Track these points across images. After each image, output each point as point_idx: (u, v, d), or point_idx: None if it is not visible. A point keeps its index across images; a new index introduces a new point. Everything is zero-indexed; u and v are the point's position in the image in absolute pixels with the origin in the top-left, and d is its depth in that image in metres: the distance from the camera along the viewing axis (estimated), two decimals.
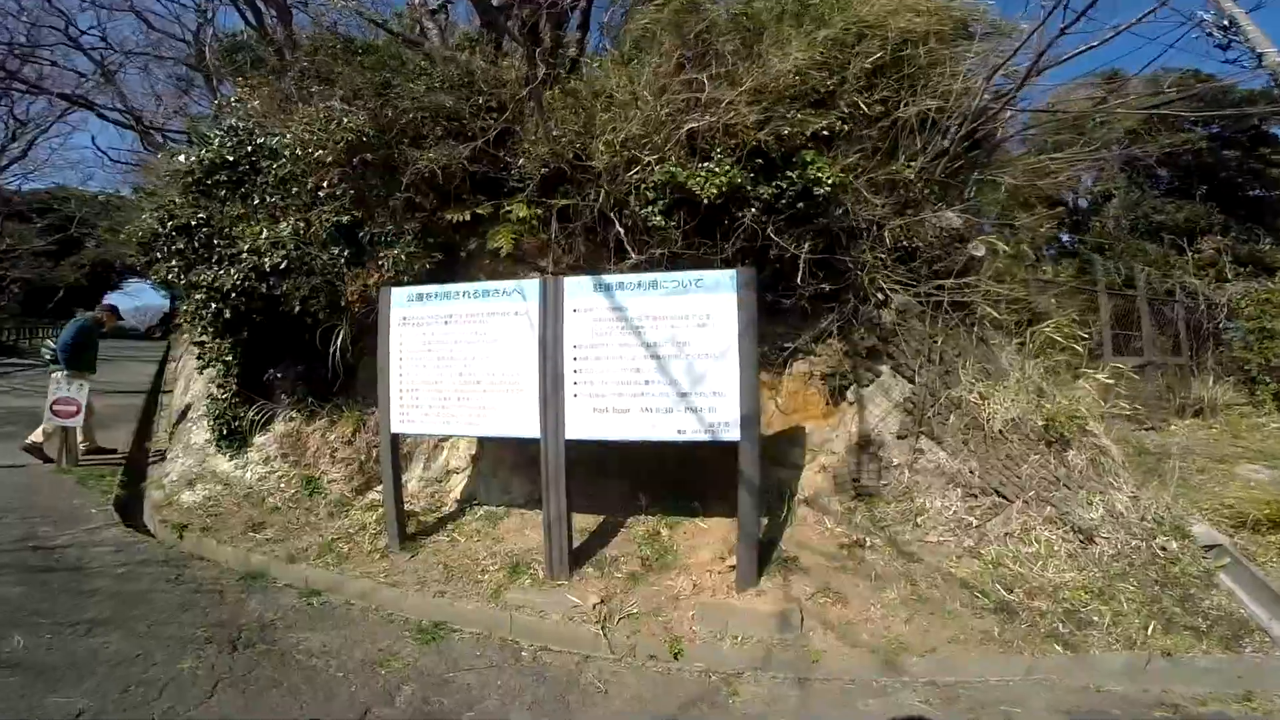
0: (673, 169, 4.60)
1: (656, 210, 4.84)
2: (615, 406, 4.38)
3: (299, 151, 5.74)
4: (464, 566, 4.78)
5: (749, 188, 4.60)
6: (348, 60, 6.24)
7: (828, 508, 4.85)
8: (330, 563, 4.96)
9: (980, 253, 4.86)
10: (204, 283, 5.97)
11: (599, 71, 5.79)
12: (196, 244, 6.21)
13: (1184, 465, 6.07)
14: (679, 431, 4.25)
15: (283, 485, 6.39)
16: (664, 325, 4.31)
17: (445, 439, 6.08)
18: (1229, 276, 8.75)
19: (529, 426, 4.58)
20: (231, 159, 6.54)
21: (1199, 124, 10.63)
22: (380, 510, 5.48)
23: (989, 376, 4.86)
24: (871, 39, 4.60)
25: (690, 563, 4.55)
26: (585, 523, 5.10)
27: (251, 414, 6.66)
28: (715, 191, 4.54)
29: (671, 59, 4.86)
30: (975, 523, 4.55)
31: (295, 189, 6.13)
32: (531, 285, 4.68)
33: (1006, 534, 4.43)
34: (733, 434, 4.14)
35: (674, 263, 4.95)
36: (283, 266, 5.86)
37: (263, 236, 5.98)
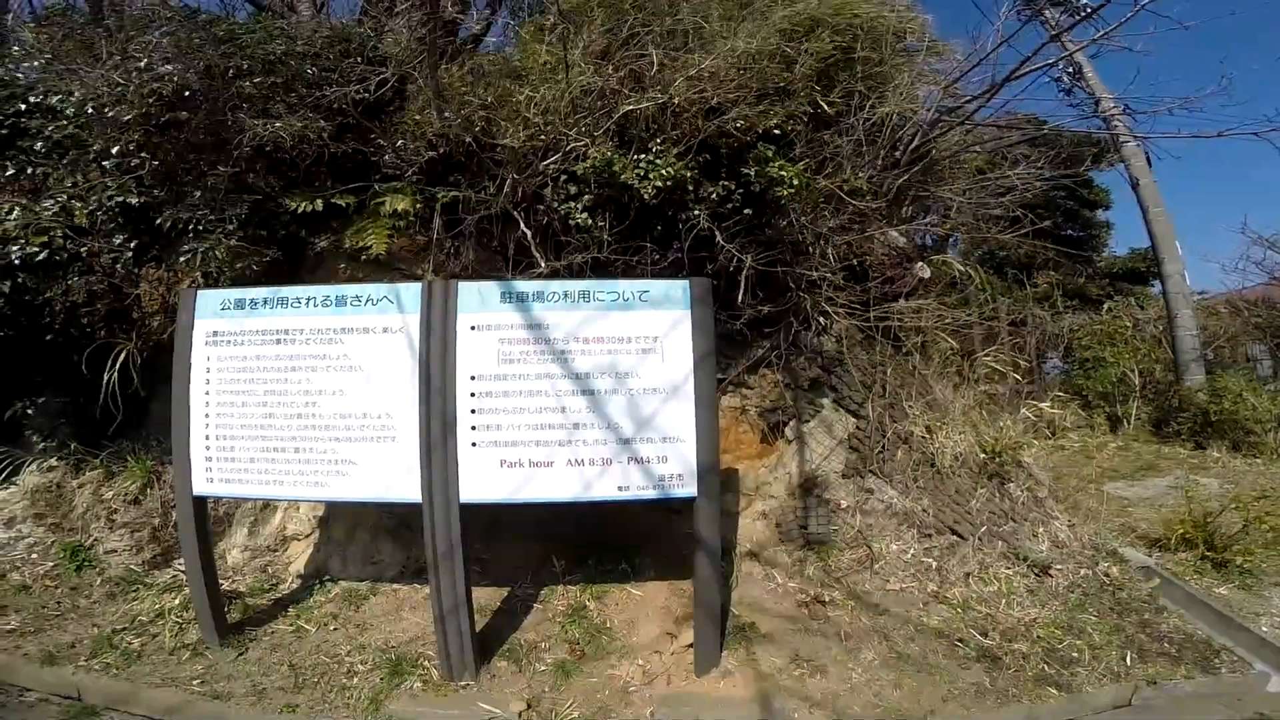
0: (609, 153, 3.76)
1: (580, 206, 3.96)
2: (533, 459, 3.36)
3: (90, 110, 4.16)
4: (320, 666, 3.62)
5: (693, 187, 3.89)
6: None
7: (775, 560, 4.23)
8: (114, 664, 3.63)
9: (926, 275, 4.55)
10: None
11: (512, 46, 4.81)
12: None
13: (1062, 486, 6.45)
14: (620, 489, 3.36)
15: (34, 556, 4.65)
16: (599, 350, 3.41)
17: None
18: (1061, 308, 9.68)
19: (404, 488, 3.42)
20: None
21: (1041, 166, 11.84)
22: (187, 591, 4.01)
23: (931, 408, 4.56)
24: (822, 32, 4.12)
25: (633, 643, 3.70)
26: (485, 598, 4.03)
27: None
28: (657, 187, 3.75)
29: (605, 36, 4.05)
30: (935, 564, 4.19)
31: (72, 158, 4.44)
32: (410, 291, 3.54)
33: (966, 574, 4.16)
34: (688, 489, 3.34)
35: (597, 273, 4.11)
36: (39, 259, 4.18)
37: (12, 217, 4.24)
